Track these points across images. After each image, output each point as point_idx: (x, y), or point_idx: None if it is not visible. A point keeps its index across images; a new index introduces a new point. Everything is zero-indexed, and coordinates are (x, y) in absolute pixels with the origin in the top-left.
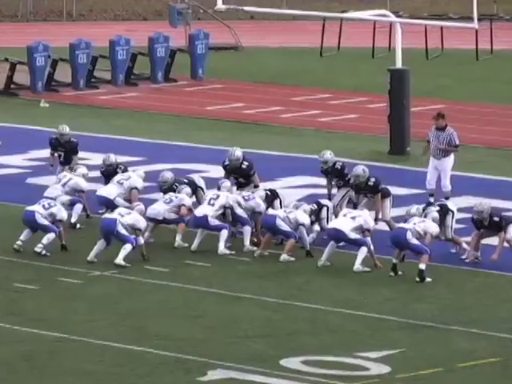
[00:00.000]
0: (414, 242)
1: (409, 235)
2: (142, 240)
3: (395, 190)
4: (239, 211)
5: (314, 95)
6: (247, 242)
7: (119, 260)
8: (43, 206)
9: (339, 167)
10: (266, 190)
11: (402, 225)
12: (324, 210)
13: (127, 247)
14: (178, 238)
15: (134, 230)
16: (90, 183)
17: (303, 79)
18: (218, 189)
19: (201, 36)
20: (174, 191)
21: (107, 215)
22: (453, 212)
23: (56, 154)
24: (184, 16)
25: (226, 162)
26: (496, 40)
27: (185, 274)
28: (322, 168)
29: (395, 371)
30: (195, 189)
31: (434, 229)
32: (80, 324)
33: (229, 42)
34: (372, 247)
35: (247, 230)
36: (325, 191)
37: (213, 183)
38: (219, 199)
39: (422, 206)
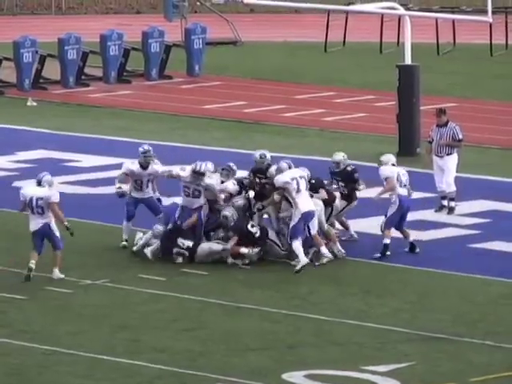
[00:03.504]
0: None
1: None
2: None
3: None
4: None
5: (318, 93)
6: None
7: None
8: None
9: (350, 170)
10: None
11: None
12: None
13: None
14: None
15: None
16: (82, 186)
17: (306, 76)
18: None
19: (198, 30)
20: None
21: None
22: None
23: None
24: (180, 9)
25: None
26: None
27: (182, 283)
28: (331, 169)
29: None
30: None
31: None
32: (70, 336)
33: (227, 37)
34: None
35: None
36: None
37: None
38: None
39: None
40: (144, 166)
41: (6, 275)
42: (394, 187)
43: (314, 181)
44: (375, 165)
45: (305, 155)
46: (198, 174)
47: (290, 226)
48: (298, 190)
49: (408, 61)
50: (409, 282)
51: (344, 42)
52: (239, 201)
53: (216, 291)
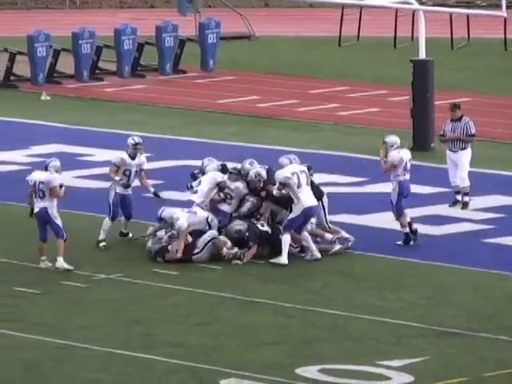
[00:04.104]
0: None
1: None
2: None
3: (419, 189)
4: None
5: (332, 87)
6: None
7: None
8: None
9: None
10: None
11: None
12: None
13: None
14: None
15: None
16: (95, 181)
17: (321, 70)
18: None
19: (212, 24)
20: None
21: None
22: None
23: None
24: (194, 3)
25: None
26: None
27: (195, 278)
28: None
29: (418, 381)
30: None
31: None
32: (84, 330)
33: (241, 31)
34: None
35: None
36: (343, 189)
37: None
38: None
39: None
40: (132, 157)
41: (20, 269)
42: (394, 171)
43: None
44: None
45: (319, 150)
46: (162, 221)
47: (289, 217)
48: (299, 185)
49: (422, 55)
50: (423, 277)
51: (358, 36)
52: (250, 199)
53: (229, 285)
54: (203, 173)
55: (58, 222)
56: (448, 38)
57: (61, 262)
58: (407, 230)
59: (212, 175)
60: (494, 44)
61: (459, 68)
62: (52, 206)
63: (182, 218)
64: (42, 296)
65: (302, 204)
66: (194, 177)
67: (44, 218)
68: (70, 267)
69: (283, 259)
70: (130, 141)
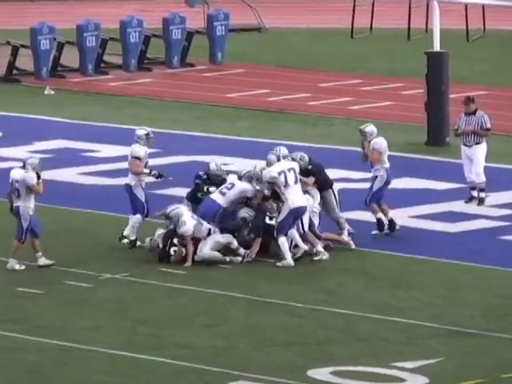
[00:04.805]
0: None
1: None
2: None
3: (434, 185)
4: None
5: (344, 81)
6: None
7: None
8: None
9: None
10: None
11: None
12: None
13: None
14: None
15: None
16: (101, 177)
17: (332, 63)
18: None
19: (220, 16)
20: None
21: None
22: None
23: None
24: None
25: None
26: None
27: (203, 277)
28: None
29: (433, 382)
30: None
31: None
32: (89, 331)
33: (251, 23)
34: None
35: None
36: (355, 185)
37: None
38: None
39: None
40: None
41: (23, 269)
42: (381, 159)
43: (310, 166)
44: (403, 154)
45: (331, 145)
46: (167, 219)
47: (278, 220)
48: (287, 184)
49: (437, 47)
50: (438, 275)
51: (371, 28)
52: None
53: (239, 285)
54: (208, 175)
55: (25, 224)
56: (463, 29)
57: (12, 263)
58: (379, 215)
59: (244, 188)
60: (511, 35)
61: (475, 60)
62: (25, 206)
63: (189, 223)
64: (46, 296)
65: (288, 205)
66: (200, 178)
67: (16, 217)
68: (16, 266)
69: (288, 261)
70: (142, 131)
